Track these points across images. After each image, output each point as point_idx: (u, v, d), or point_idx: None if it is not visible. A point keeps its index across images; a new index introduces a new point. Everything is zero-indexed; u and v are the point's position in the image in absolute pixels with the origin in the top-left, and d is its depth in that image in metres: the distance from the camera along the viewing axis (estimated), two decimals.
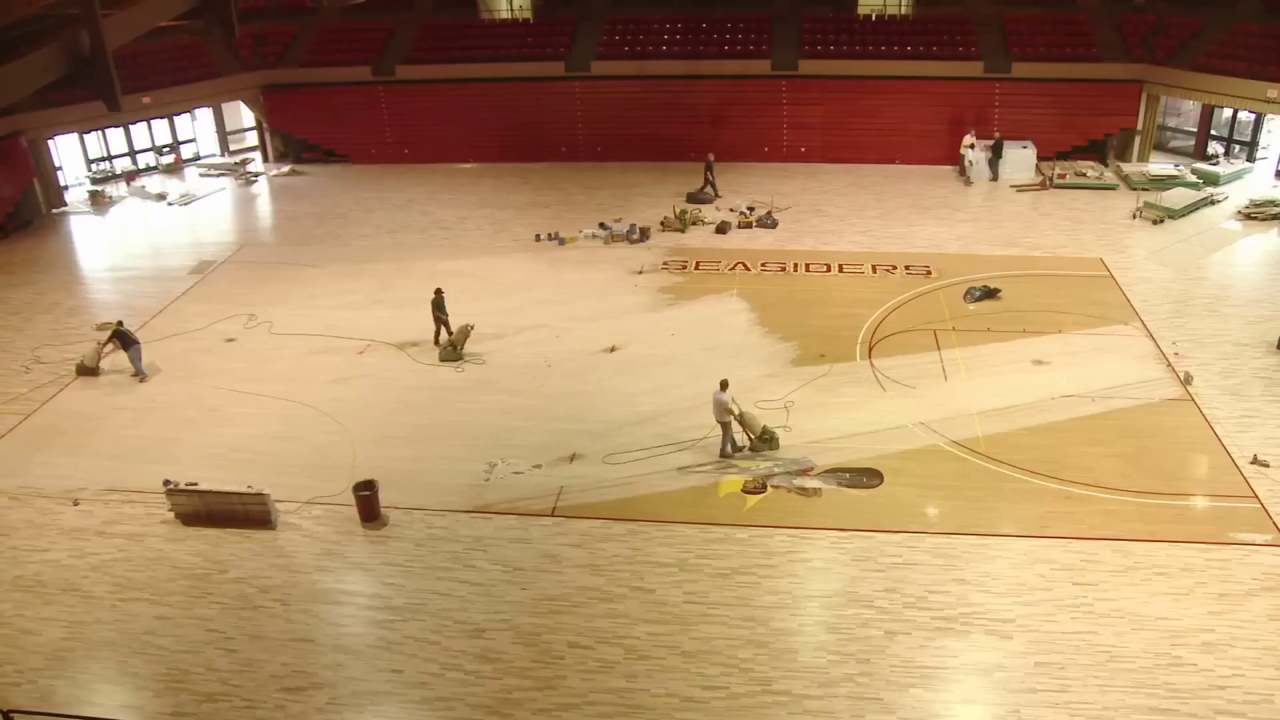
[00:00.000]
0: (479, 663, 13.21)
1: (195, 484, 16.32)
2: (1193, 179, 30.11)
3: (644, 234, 27.90)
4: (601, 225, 28.53)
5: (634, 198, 31.37)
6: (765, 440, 17.45)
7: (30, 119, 30.45)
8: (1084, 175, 31.34)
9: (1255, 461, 16.68)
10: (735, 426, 17.35)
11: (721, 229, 28.26)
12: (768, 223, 28.60)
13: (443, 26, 36.72)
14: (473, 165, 35.67)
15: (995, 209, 29.57)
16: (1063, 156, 32.84)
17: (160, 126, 35.99)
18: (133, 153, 35.48)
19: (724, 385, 17.21)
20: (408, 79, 35.39)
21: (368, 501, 16.04)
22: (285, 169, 35.50)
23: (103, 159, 34.94)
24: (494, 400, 19.71)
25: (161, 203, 32.58)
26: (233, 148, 37.69)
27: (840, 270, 25.49)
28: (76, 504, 16.83)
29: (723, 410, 17.08)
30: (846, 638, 13.36)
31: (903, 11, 35.77)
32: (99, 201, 32.22)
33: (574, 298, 24.28)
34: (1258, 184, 30.33)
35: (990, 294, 20.66)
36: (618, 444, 17.94)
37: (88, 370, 21.27)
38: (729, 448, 17.32)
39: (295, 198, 33.03)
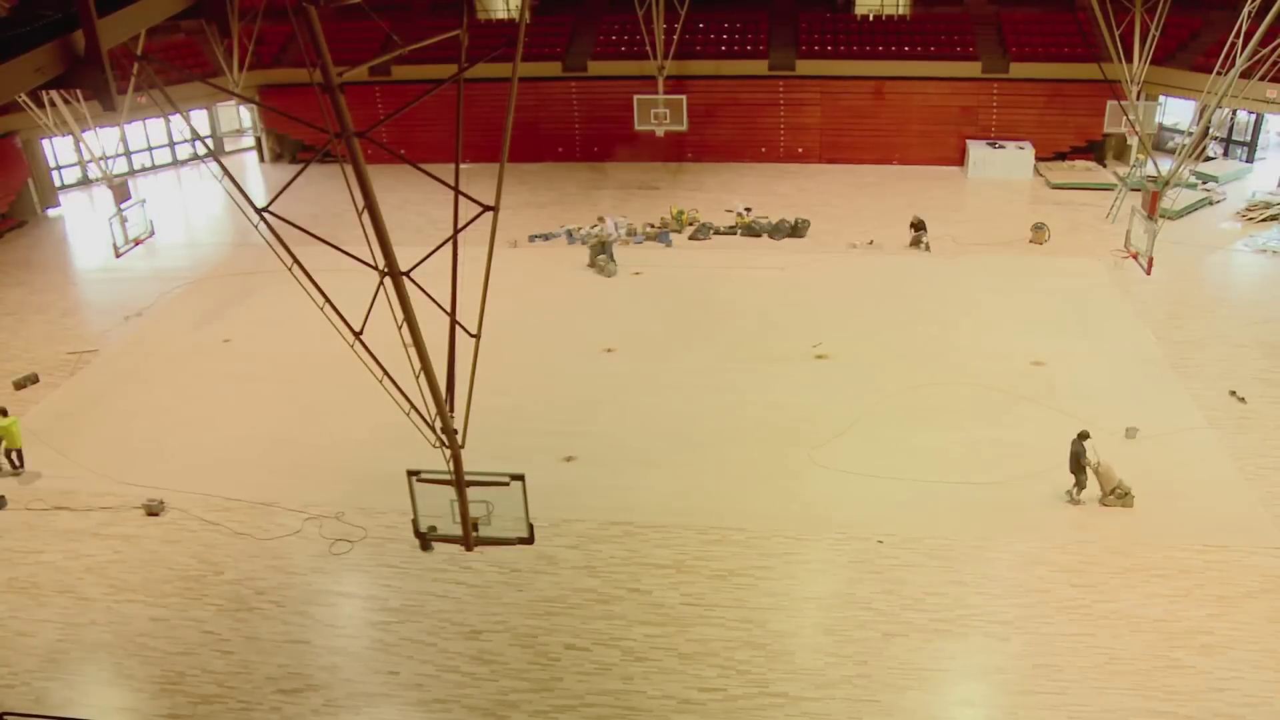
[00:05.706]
0: (475, 664, 13.16)
1: None
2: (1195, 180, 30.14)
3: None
4: (576, 228, 28.62)
5: (630, 198, 31.32)
6: (1120, 496, 15.89)
7: (24, 119, 30.31)
8: (1090, 172, 31.39)
9: (1233, 395, 17.00)
10: (1089, 476, 16.00)
11: (718, 230, 28.20)
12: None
13: (438, 27, 36.59)
14: (469, 165, 35.59)
15: (993, 209, 29.56)
16: (1060, 157, 32.85)
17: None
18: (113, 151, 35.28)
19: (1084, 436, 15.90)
20: (404, 79, 35.31)
21: None
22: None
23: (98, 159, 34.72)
24: (489, 401, 19.56)
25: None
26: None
27: (836, 270, 25.45)
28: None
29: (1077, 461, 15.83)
30: (844, 640, 13.32)
31: (900, 12, 35.74)
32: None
33: (570, 298, 24.23)
34: (1257, 184, 30.32)
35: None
36: (613, 444, 17.92)
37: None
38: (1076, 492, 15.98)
39: (287, 199, 32.80)
